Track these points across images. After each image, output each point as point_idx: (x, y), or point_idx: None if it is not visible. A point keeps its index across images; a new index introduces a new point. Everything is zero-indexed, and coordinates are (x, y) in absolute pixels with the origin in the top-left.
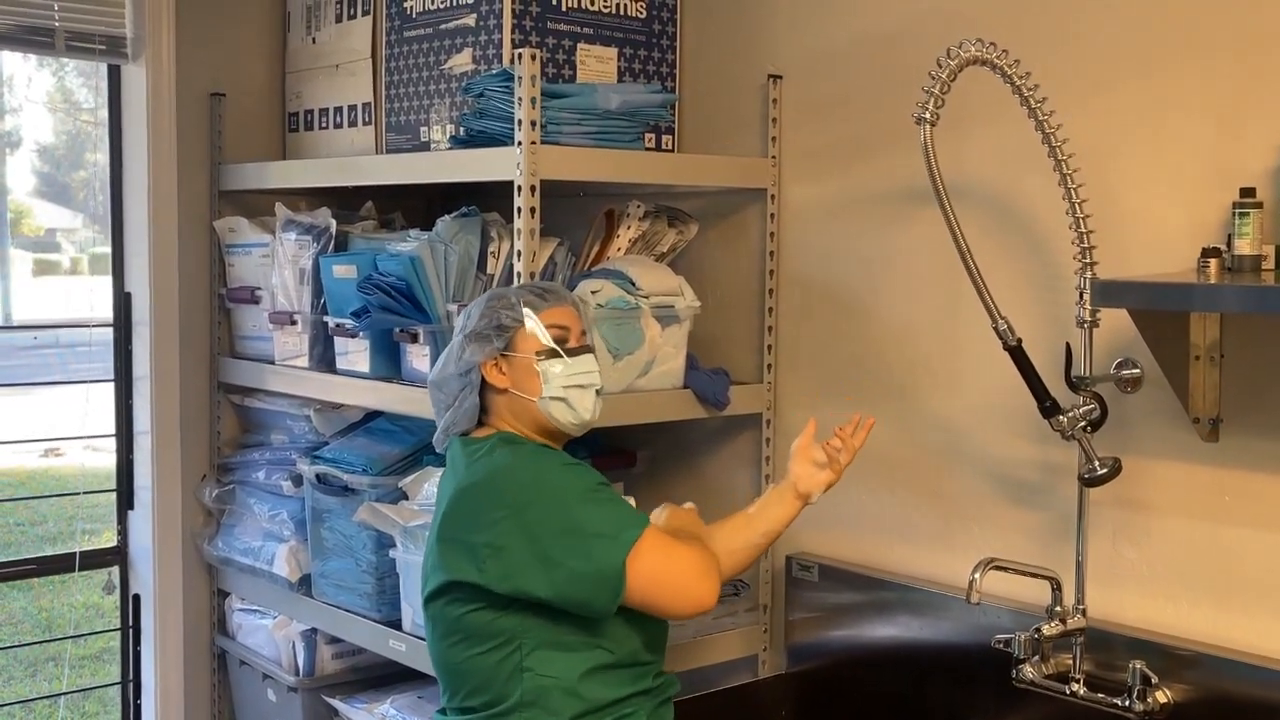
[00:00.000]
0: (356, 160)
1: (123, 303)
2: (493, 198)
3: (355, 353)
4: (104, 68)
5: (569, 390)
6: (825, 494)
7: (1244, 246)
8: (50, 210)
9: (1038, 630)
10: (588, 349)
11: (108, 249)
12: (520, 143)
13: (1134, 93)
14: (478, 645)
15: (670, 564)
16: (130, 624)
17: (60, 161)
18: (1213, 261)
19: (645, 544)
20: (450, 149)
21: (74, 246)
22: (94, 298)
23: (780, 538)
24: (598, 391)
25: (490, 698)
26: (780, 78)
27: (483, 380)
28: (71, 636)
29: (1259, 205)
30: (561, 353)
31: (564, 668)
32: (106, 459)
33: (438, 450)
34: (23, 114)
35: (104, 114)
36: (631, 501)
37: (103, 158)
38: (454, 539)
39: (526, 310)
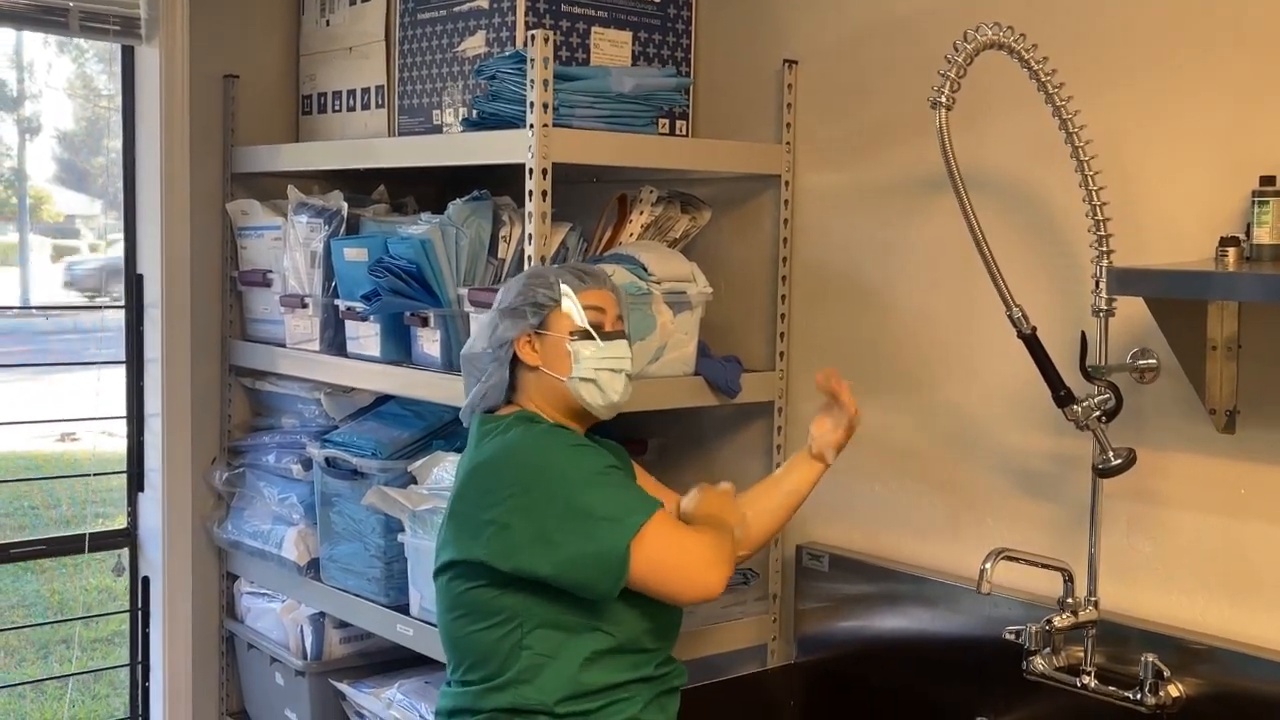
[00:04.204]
0: (368, 143)
1: (134, 285)
2: (505, 182)
3: (366, 336)
4: (121, 52)
5: (600, 372)
6: (838, 466)
7: (1263, 235)
8: (70, 197)
9: (1049, 622)
10: (622, 334)
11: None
12: (532, 125)
13: (1152, 81)
14: (480, 621)
15: (675, 550)
16: (139, 606)
17: (80, 148)
18: (1231, 250)
19: (650, 529)
20: (462, 132)
21: (93, 233)
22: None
23: (800, 510)
24: (629, 377)
25: (488, 672)
26: (796, 63)
27: (514, 357)
28: (81, 618)
29: (1279, 194)
30: (595, 334)
31: (562, 648)
32: (122, 444)
33: (464, 423)
34: (43, 100)
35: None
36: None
37: (119, 143)
38: (462, 515)
39: (564, 289)
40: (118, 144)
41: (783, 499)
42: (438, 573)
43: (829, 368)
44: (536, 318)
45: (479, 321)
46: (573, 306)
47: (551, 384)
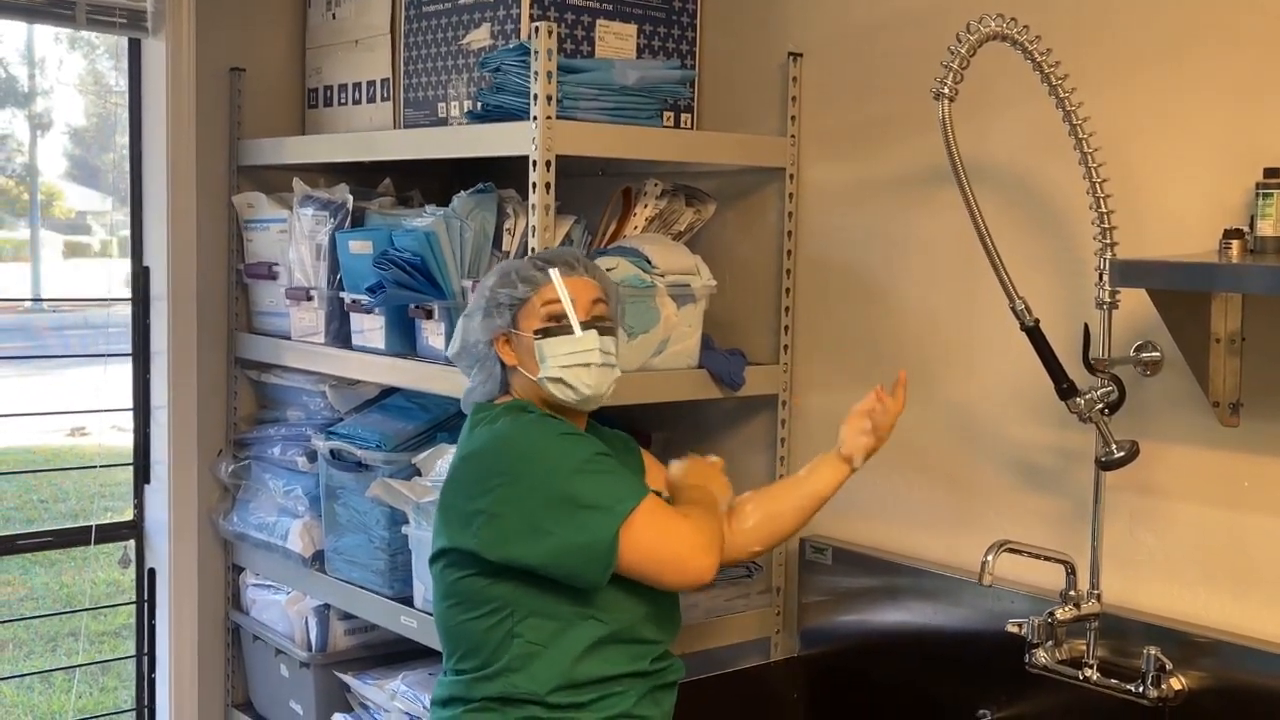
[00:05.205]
0: (373, 135)
1: (141, 277)
2: (510, 175)
3: (371, 329)
4: (127, 45)
5: (566, 370)
6: (870, 461)
7: (1267, 228)
8: (81, 193)
9: (1051, 615)
10: (595, 322)
11: None
12: (536, 117)
13: (1157, 74)
14: (472, 610)
15: (664, 537)
16: (145, 598)
17: (91, 144)
18: (1235, 243)
19: (639, 516)
20: (467, 124)
21: (104, 229)
22: (114, 277)
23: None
24: (610, 365)
25: (480, 661)
26: (801, 56)
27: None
28: (88, 609)
29: None
30: (570, 328)
31: (554, 637)
32: (131, 440)
33: (465, 411)
34: (54, 96)
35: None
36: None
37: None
38: (452, 505)
39: (524, 287)
40: (128, 140)
41: (802, 499)
42: (432, 561)
43: (903, 373)
44: (503, 318)
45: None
46: (531, 307)
47: (530, 381)
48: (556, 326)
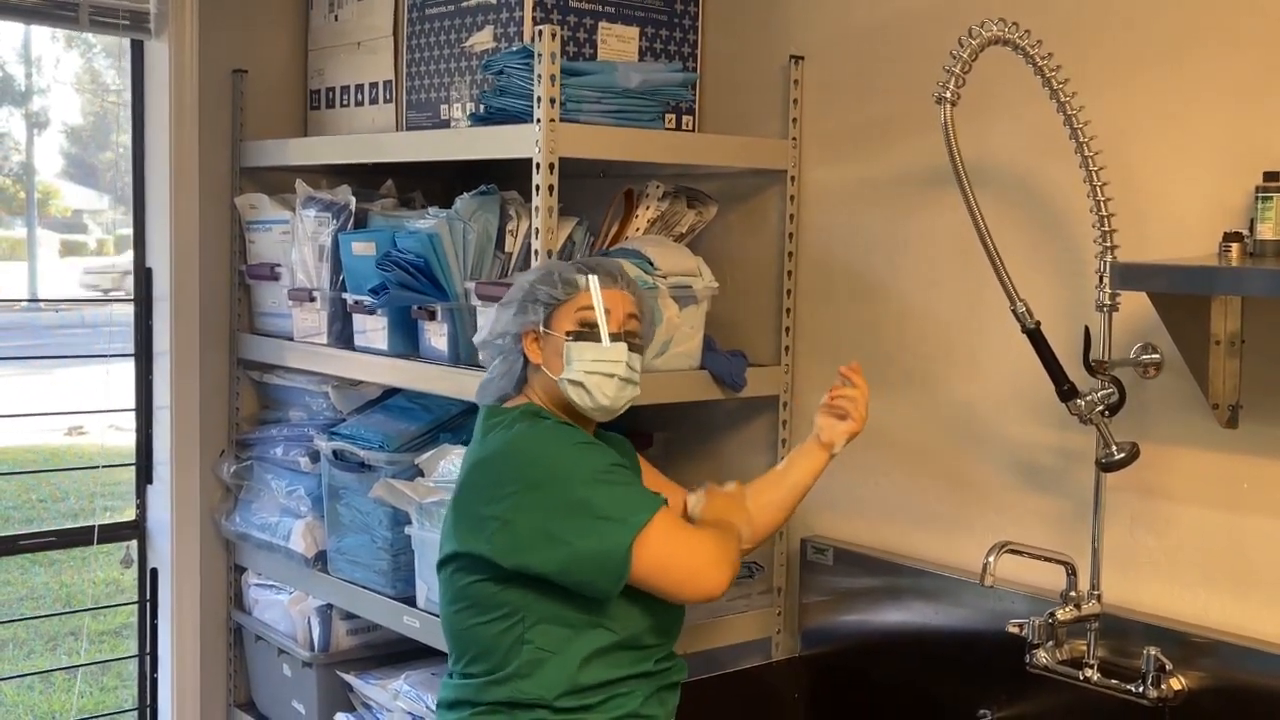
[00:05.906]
0: (376, 137)
1: (144, 278)
2: (512, 177)
3: (373, 330)
4: (130, 46)
5: (589, 376)
6: (849, 446)
7: (1267, 231)
8: (77, 192)
9: (1052, 615)
10: (625, 336)
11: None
12: (539, 120)
13: (1157, 76)
14: (482, 615)
15: (678, 550)
16: (148, 598)
17: (88, 143)
18: (1235, 246)
19: (654, 528)
20: (470, 126)
21: (100, 228)
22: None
23: (804, 503)
24: (632, 382)
25: (489, 666)
26: (802, 58)
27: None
28: (90, 609)
29: None
30: (600, 336)
31: (564, 644)
32: (128, 438)
33: (477, 401)
34: (51, 95)
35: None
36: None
37: (128, 138)
38: (465, 510)
39: (564, 288)
40: (126, 139)
41: (786, 492)
42: (441, 564)
43: (855, 363)
44: (536, 315)
45: (489, 311)
46: (568, 308)
47: (550, 382)
48: (589, 332)
